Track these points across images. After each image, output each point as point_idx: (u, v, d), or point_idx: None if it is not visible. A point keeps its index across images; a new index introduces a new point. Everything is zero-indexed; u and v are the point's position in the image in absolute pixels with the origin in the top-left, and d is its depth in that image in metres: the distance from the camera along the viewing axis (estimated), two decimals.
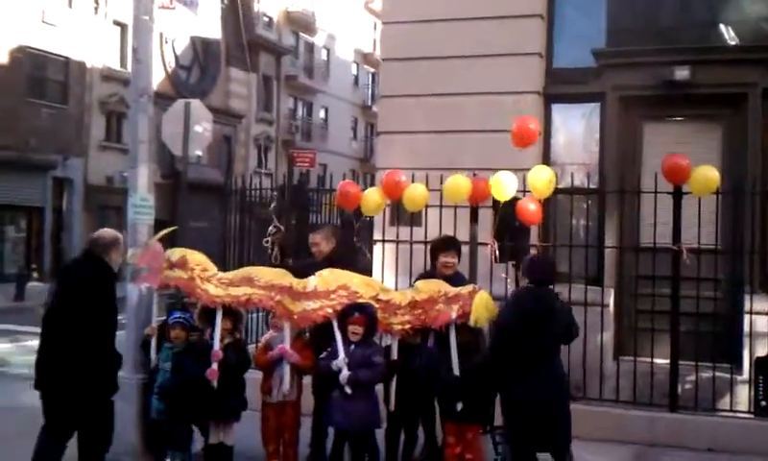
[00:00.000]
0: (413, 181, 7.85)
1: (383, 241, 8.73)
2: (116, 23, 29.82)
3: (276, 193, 9.95)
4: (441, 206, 8.09)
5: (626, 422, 7.78)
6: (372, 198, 7.70)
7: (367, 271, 7.65)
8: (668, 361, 7.92)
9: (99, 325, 6.02)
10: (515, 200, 7.88)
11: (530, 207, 7.50)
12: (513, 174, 7.64)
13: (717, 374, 7.95)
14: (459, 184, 7.56)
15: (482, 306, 6.04)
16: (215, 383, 6.26)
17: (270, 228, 7.54)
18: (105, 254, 6.18)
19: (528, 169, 8.04)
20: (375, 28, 46.79)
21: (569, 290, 8.10)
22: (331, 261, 6.85)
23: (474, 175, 7.71)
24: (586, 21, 10.00)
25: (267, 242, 7.52)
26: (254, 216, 10.33)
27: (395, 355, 6.36)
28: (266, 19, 40.68)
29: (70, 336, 5.93)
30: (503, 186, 7.56)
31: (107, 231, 6.45)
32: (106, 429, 6.23)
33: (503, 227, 7.87)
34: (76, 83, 28.83)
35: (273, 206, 8.33)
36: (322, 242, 7.26)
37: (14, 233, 27.42)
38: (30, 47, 26.77)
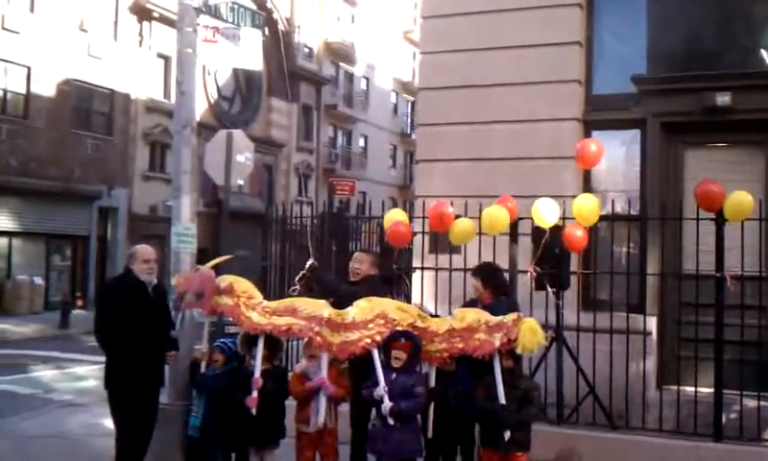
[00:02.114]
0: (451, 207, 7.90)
1: (422, 268, 8.74)
2: (160, 56, 30.43)
3: (315, 221, 10.03)
4: (480, 234, 8.11)
5: (669, 452, 7.65)
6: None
7: (405, 297, 7.67)
8: (712, 390, 7.77)
9: (121, 326, 6.48)
10: (556, 227, 7.90)
11: (577, 234, 7.51)
12: (553, 201, 7.66)
13: (762, 403, 7.78)
14: (498, 216, 7.60)
15: (529, 333, 6.01)
16: (254, 410, 6.31)
17: (308, 262, 7.52)
18: (131, 265, 6.80)
19: (568, 196, 8.06)
20: (414, 57, 47.05)
21: (611, 318, 8.04)
22: (370, 283, 6.99)
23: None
24: (625, 47, 9.98)
25: (300, 279, 7.47)
26: (295, 244, 10.42)
27: (432, 383, 6.36)
28: (306, 50, 41.18)
29: (101, 338, 6.66)
30: (543, 214, 7.58)
31: (133, 247, 7.16)
32: (144, 429, 6.59)
33: (544, 254, 7.86)
34: (121, 114, 29.41)
35: (310, 240, 8.37)
36: (365, 264, 7.34)
37: (60, 262, 27.93)
38: (76, 80, 27.40)
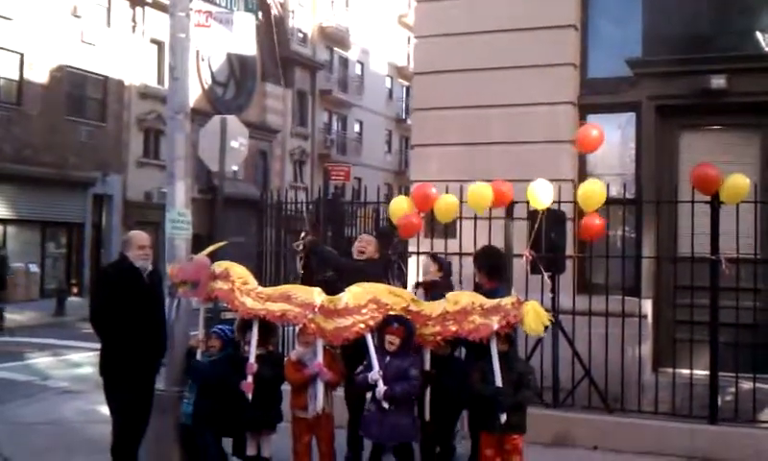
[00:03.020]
0: (446, 192, 7.91)
1: (417, 253, 8.73)
2: (153, 41, 30.29)
3: (311, 207, 10.01)
4: (475, 218, 8.11)
5: (665, 434, 7.68)
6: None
7: (401, 282, 7.70)
8: (708, 373, 7.81)
9: (117, 312, 6.46)
10: (551, 211, 7.90)
11: (595, 222, 7.55)
12: (549, 182, 7.66)
13: (758, 385, 7.82)
14: (482, 193, 7.61)
15: (534, 314, 6.00)
16: (250, 395, 6.32)
17: (302, 234, 7.76)
18: (125, 251, 6.78)
19: (564, 179, 8.06)
20: (409, 42, 46.89)
21: (606, 301, 8.06)
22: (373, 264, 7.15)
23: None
24: (620, 31, 9.96)
25: (298, 246, 7.68)
26: (290, 230, 10.39)
27: (427, 366, 6.37)
28: (300, 35, 41.04)
29: (96, 324, 6.66)
30: (539, 195, 7.58)
31: (127, 234, 7.15)
32: (140, 415, 6.59)
33: (539, 238, 7.87)
34: (114, 100, 29.30)
35: (307, 219, 8.46)
36: (370, 247, 7.50)
37: (54, 249, 27.88)
38: (69, 66, 27.28)
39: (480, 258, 7.02)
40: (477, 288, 6.90)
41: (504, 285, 6.87)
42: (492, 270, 6.87)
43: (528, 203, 7.89)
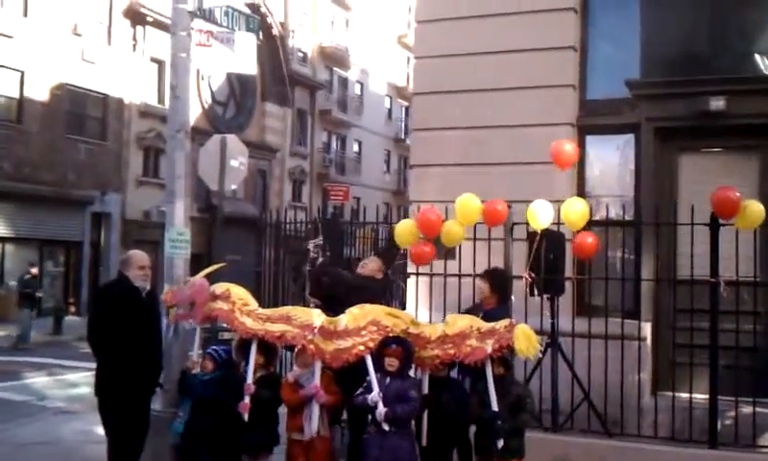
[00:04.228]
0: (446, 214, 7.90)
1: (417, 274, 8.71)
2: (154, 60, 30.37)
3: (310, 226, 10.00)
4: (474, 239, 8.10)
5: (665, 458, 7.63)
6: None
7: (400, 303, 7.71)
8: (707, 397, 7.76)
9: (116, 332, 6.45)
10: (550, 232, 7.89)
11: (587, 241, 7.54)
12: (548, 203, 7.66)
13: (758, 409, 7.77)
14: (469, 205, 7.62)
15: (524, 338, 5.99)
16: (246, 416, 6.28)
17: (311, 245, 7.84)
18: (124, 270, 6.75)
19: (562, 201, 8.04)
20: (408, 62, 47.07)
21: (606, 323, 8.02)
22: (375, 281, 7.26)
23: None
24: (619, 52, 9.98)
25: (312, 250, 7.74)
26: (289, 249, 10.37)
27: (425, 389, 6.34)
28: (300, 55, 41.18)
29: (94, 343, 6.64)
30: (538, 215, 7.58)
31: (126, 253, 7.08)
32: (136, 435, 6.57)
33: (538, 259, 7.85)
34: (114, 119, 29.34)
35: (316, 241, 8.51)
36: (374, 267, 7.61)
37: (53, 268, 27.81)
38: (70, 84, 27.33)
39: (493, 279, 7.06)
40: (476, 308, 6.90)
41: (505, 307, 6.88)
42: (503, 293, 6.96)
43: (527, 224, 7.88)
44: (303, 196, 41.40)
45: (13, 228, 25.69)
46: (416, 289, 8.79)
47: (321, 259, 7.89)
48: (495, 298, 6.98)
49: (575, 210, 7.64)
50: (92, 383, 6.78)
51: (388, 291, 7.98)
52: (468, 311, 7.00)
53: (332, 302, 6.92)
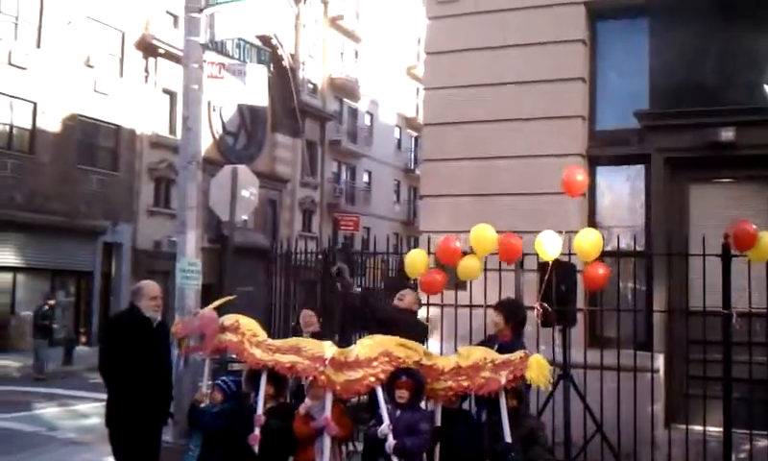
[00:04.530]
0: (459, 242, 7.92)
1: (428, 305, 8.69)
2: (165, 91, 30.61)
3: (320, 257, 10.01)
4: (485, 270, 8.09)
5: None
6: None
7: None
8: (721, 429, 7.69)
9: (127, 362, 6.44)
10: (561, 263, 7.87)
11: (599, 272, 7.52)
12: (556, 234, 7.65)
13: None
14: (485, 235, 7.63)
15: (537, 367, 5.96)
16: (256, 448, 6.25)
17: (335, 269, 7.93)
18: (136, 301, 6.74)
19: (573, 231, 8.04)
20: (418, 93, 47.31)
21: (618, 355, 7.98)
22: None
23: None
24: (628, 83, 10.01)
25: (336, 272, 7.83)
26: (299, 279, 10.39)
27: (438, 421, 6.30)
28: (310, 86, 41.42)
29: (105, 373, 6.61)
30: (546, 246, 7.57)
31: (138, 283, 7.07)
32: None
33: (550, 290, 7.82)
34: (126, 149, 29.52)
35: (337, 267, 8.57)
36: (411, 299, 7.65)
37: (64, 298, 27.82)
38: (82, 115, 27.52)
39: (509, 311, 7.05)
40: (490, 340, 6.88)
41: (520, 340, 6.86)
42: (518, 324, 6.94)
43: (538, 254, 7.87)
44: (314, 226, 41.45)
45: (25, 258, 25.77)
46: (426, 319, 8.78)
47: (355, 287, 7.95)
48: (510, 330, 6.95)
49: (588, 241, 7.62)
50: (103, 414, 6.76)
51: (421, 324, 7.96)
52: (482, 344, 6.96)
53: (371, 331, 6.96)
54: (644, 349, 8.51)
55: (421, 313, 8.90)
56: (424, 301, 8.65)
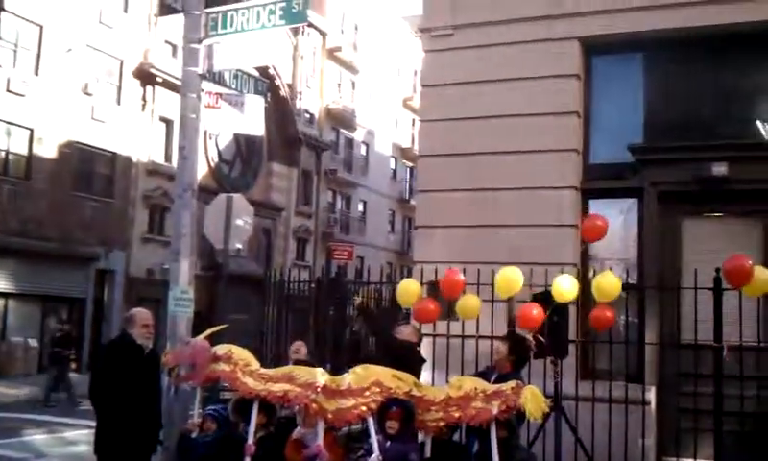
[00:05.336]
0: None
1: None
2: (162, 119, 30.72)
3: (313, 286, 10.02)
4: (479, 300, 8.11)
5: None
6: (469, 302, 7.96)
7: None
8: None
9: (117, 389, 6.49)
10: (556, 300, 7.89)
11: (606, 314, 7.57)
12: (571, 276, 7.70)
13: None
14: (512, 278, 7.68)
15: (532, 398, 5.96)
16: None
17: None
18: (128, 328, 6.84)
19: (567, 263, 8.08)
20: (413, 124, 47.57)
21: (609, 387, 7.97)
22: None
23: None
24: (622, 117, 10.08)
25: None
26: (292, 308, 10.38)
27: (428, 453, 6.28)
28: (307, 116, 41.61)
29: (95, 400, 6.68)
30: (563, 288, 7.66)
31: (130, 311, 7.16)
32: None
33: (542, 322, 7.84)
34: (122, 177, 29.55)
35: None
36: (408, 331, 7.59)
37: (55, 324, 27.67)
38: (78, 142, 27.56)
39: (513, 342, 7.13)
40: (488, 371, 6.92)
41: (519, 373, 6.89)
42: (520, 360, 7.04)
43: (530, 286, 7.91)
44: (307, 255, 41.43)
45: (17, 283, 25.67)
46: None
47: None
48: (511, 363, 7.01)
49: (609, 282, 7.67)
50: (91, 441, 6.73)
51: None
52: (478, 375, 6.96)
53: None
54: (636, 381, 8.51)
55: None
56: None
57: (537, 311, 7.60)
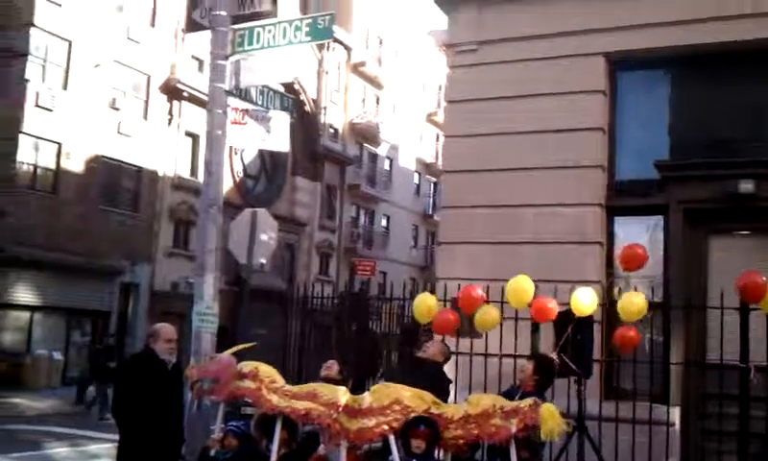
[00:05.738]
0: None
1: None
2: (188, 134, 30.97)
3: (336, 301, 10.03)
4: (501, 319, 8.07)
5: None
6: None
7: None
8: None
9: (140, 404, 6.50)
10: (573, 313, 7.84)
11: (630, 334, 7.52)
12: (591, 289, 7.64)
13: None
14: (523, 288, 7.64)
15: (549, 417, 5.90)
16: None
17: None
18: (152, 343, 6.85)
19: (591, 281, 8.01)
20: (437, 139, 47.56)
21: (633, 408, 7.89)
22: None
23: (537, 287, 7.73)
24: (648, 134, 10.02)
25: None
26: (315, 323, 10.38)
27: None
28: (332, 131, 41.76)
29: (118, 414, 6.71)
30: (583, 301, 7.62)
31: (154, 326, 7.17)
32: None
33: (566, 341, 7.78)
34: (147, 191, 29.80)
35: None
36: (434, 350, 7.60)
37: (79, 338, 27.88)
38: (105, 157, 27.85)
39: (539, 362, 7.12)
40: (511, 390, 6.89)
41: (542, 394, 6.84)
42: (545, 380, 7.04)
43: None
44: (331, 270, 41.47)
45: (42, 296, 25.90)
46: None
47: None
48: (534, 381, 6.97)
49: (634, 303, 7.63)
50: (113, 455, 6.75)
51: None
52: (505, 394, 6.91)
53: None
54: (660, 401, 8.41)
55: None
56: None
57: (552, 304, 7.58)
